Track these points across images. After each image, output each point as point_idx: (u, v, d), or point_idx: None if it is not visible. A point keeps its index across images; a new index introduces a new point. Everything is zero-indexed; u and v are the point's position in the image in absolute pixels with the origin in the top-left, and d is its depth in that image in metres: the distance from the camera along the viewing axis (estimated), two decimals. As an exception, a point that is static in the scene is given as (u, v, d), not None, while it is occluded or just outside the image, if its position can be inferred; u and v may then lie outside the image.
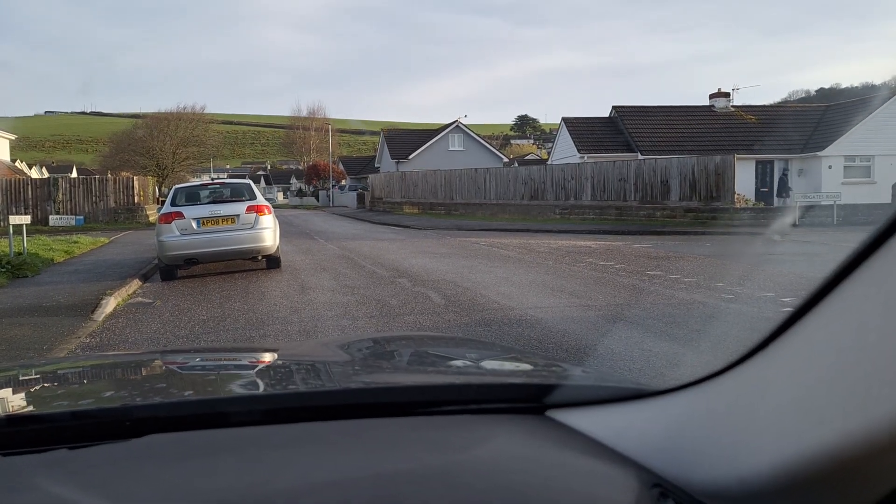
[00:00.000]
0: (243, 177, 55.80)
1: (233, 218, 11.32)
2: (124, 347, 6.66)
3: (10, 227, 13.25)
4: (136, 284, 10.78)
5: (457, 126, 47.69)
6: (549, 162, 37.95)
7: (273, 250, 11.77)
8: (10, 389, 1.51)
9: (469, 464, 0.90)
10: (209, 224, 11.22)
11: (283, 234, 12.94)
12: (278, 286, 10.12)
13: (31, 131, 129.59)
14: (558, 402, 1.12)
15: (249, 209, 11.45)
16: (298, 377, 1.46)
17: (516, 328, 6.72)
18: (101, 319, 7.96)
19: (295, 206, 60.82)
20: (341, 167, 71.36)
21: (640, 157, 28.59)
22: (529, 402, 1.14)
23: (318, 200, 65.06)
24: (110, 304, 8.73)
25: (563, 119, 35.34)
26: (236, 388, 1.42)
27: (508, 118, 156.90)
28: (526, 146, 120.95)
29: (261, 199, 11.96)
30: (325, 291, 9.44)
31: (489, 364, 1.65)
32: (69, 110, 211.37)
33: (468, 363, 1.65)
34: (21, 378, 1.68)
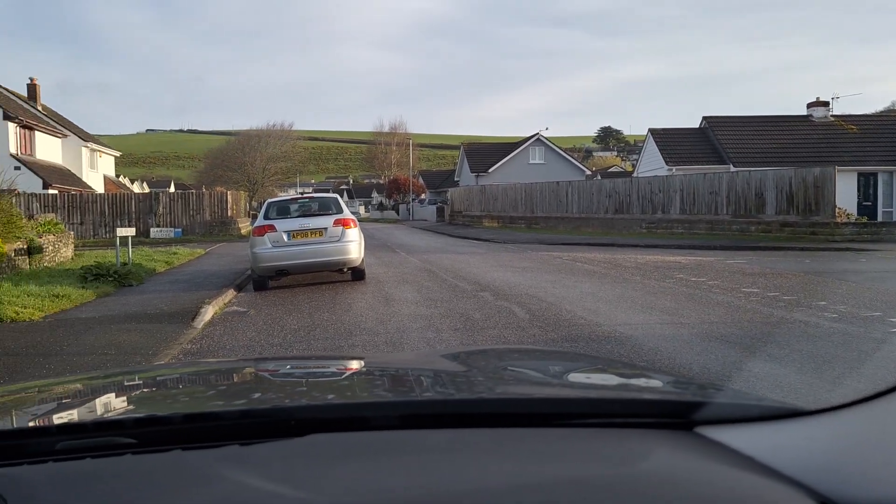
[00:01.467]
0: (327, 191, 57.44)
1: (321, 231, 11.63)
2: (223, 354, 6.93)
3: (118, 238, 14.09)
4: (231, 294, 11.23)
5: (537, 139, 47.44)
6: (634, 174, 37.14)
7: (358, 262, 12.01)
8: (158, 389, 1.61)
9: (636, 476, 0.91)
10: (299, 237, 11.57)
11: (366, 246, 13.19)
12: (363, 298, 10.31)
13: (133, 148, 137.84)
14: (707, 419, 1.11)
15: (336, 222, 11.74)
16: (427, 385, 1.49)
17: (605, 345, 6.58)
18: (200, 327, 8.32)
19: (376, 220, 61.99)
20: (421, 181, 72.28)
21: (733, 169, 27.58)
22: (677, 417, 1.13)
23: (398, 214, 66.07)
24: (208, 313, 9.12)
25: (650, 130, 34.57)
26: (376, 395, 1.46)
27: (591, 130, 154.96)
28: (609, 158, 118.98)
29: (347, 213, 12.24)
30: (409, 304, 9.54)
31: (615, 379, 1.63)
32: (168, 128, 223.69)
33: (592, 377, 1.64)
34: (163, 379, 1.79)
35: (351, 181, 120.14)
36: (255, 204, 48.74)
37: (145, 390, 1.66)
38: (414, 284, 11.75)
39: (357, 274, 12.32)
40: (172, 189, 60.96)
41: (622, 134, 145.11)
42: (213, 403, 1.34)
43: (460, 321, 8.08)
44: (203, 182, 67.12)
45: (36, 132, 33.58)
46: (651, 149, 34.24)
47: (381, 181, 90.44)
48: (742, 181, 22.75)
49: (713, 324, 7.46)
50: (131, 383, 1.75)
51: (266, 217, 12.01)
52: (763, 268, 13.14)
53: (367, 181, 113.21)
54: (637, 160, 40.95)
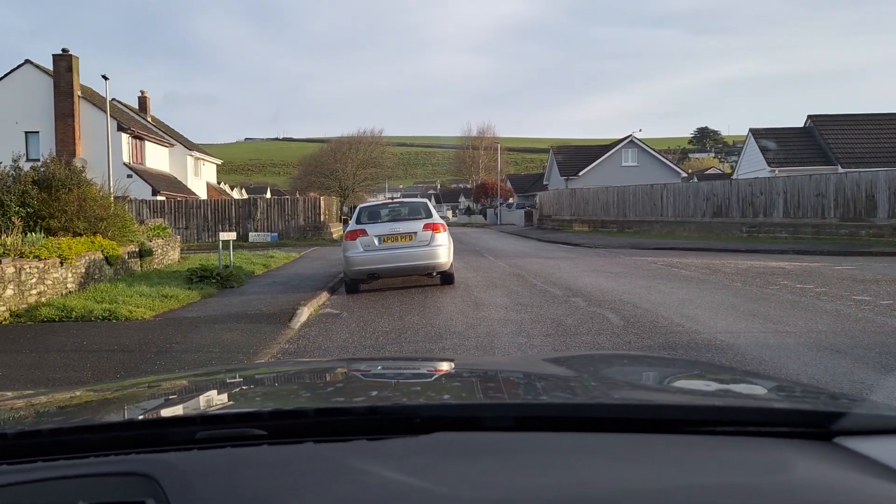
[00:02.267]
0: (415, 196, 58.24)
1: (410, 235, 11.78)
2: (319, 354, 7.14)
3: (220, 242, 14.79)
4: (324, 296, 11.55)
5: (630, 140, 46.34)
6: (733, 176, 35.67)
7: (447, 267, 12.08)
8: (283, 385, 1.68)
9: (780, 486, 0.88)
10: (389, 241, 11.76)
11: (454, 251, 13.25)
12: (453, 302, 10.35)
13: (232, 156, 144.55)
14: (848, 430, 1.07)
15: (426, 227, 11.86)
16: (542, 389, 1.49)
17: (704, 353, 6.33)
18: (297, 327, 8.61)
19: (463, 224, 62.28)
20: (509, 185, 72.07)
21: (841, 169, 26.04)
22: (815, 427, 1.09)
23: (485, 218, 66.14)
24: (304, 314, 9.41)
25: (751, 130, 33.13)
26: (492, 396, 1.47)
27: (686, 131, 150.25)
28: (706, 160, 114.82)
29: (436, 218, 12.34)
30: (499, 308, 9.51)
31: (737, 387, 1.58)
32: (265, 137, 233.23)
33: (714, 384, 1.59)
34: (285, 376, 1.86)
35: (438, 186, 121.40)
36: (345, 209, 50.01)
37: (267, 386, 1.74)
38: (503, 289, 11.71)
39: (446, 278, 12.40)
40: (269, 195, 63.56)
41: (720, 134, 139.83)
42: (336, 400, 1.38)
43: (552, 327, 7.98)
44: (297, 188, 69.56)
45: (146, 142, 35.78)
46: (752, 149, 32.79)
47: (469, 185, 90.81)
48: (851, 182, 21.39)
49: (821, 333, 7.03)
50: (253, 379, 1.84)
51: (358, 222, 12.28)
52: (875, 274, 12.29)
53: (454, 186, 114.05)
54: (736, 162, 39.32)
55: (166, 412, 1.41)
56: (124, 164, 32.04)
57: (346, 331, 8.31)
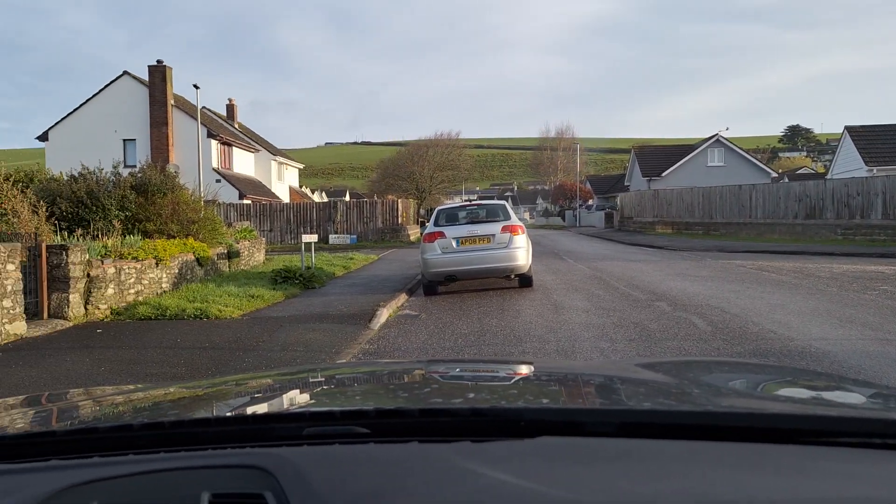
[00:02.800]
0: (491, 198, 58.14)
1: (488, 237, 11.74)
2: (399, 355, 7.22)
3: (303, 244, 15.21)
4: (403, 298, 11.68)
5: (717, 140, 44.72)
6: (827, 176, 33.90)
7: (526, 269, 11.98)
8: (384, 386, 1.71)
9: None
10: (467, 243, 11.76)
11: (533, 253, 13.11)
12: (532, 305, 10.26)
13: (313, 160, 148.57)
14: None
15: (504, 229, 11.79)
16: (644, 395, 1.46)
17: (798, 361, 6.03)
18: (376, 328, 8.74)
19: (541, 226, 61.74)
20: (588, 186, 70.94)
21: (947, 167, 24.30)
22: None
23: (563, 220, 65.36)
24: (383, 315, 9.55)
25: (847, 128, 31.40)
26: (592, 401, 1.45)
27: (776, 129, 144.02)
28: (797, 159, 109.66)
29: (514, 220, 12.26)
30: (580, 312, 9.35)
31: (855, 397, 1.49)
32: (344, 141, 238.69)
33: (828, 394, 1.51)
34: (378, 376, 1.89)
35: (515, 187, 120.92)
36: (422, 211, 50.49)
37: (363, 385, 1.76)
38: (583, 292, 11.52)
39: (524, 280, 12.30)
40: (348, 198, 64.90)
41: (812, 133, 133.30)
42: (434, 401, 1.39)
43: (635, 331, 7.79)
44: (375, 191, 70.69)
45: (233, 148, 37.25)
46: (847, 148, 31.08)
47: (546, 187, 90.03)
48: (962, 181, 19.93)
49: (931, 343, 6.57)
50: (346, 378, 1.88)
51: (436, 224, 12.34)
52: None
53: (531, 187, 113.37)
54: (830, 161, 37.37)
55: (275, 408, 1.45)
56: (213, 169, 33.45)
57: (424, 332, 8.37)
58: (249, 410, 1.42)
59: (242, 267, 16.13)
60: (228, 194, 32.68)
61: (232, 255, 15.35)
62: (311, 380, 1.85)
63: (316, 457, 0.99)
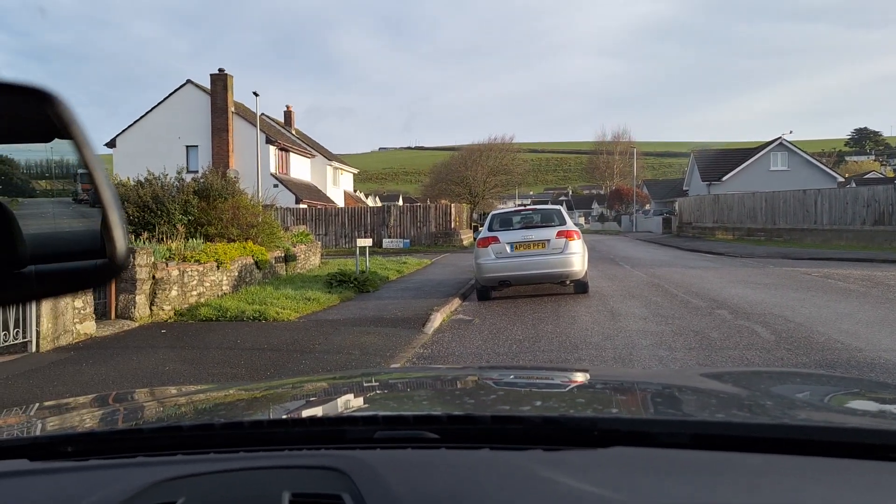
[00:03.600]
0: (545, 202, 57.76)
1: (543, 243, 11.63)
2: (453, 360, 7.22)
3: (357, 248, 15.40)
4: (456, 303, 11.68)
5: (780, 143, 43.34)
6: (896, 180, 32.44)
7: (581, 275, 11.81)
8: (448, 391, 1.71)
9: None
10: (522, 248, 11.67)
11: (588, 259, 12.95)
12: (587, 311, 10.12)
13: (367, 165, 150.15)
14: None
15: (559, 234, 11.66)
16: (716, 406, 1.43)
17: (867, 372, 5.78)
18: (430, 332, 8.76)
19: (596, 231, 60.94)
20: (645, 191, 69.74)
21: None
22: None
23: (619, 225, 64.38)
24: (437, 320, 9.57)
25: (917, 129, 29.99)
26: (663, 412, 1.42)
27: (843, 132, 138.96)
28: (865, 163, 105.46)
29: (570, 225, 12.10)
30: (637, 319, 9.18)
31: None
32: (397, 146, 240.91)
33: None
34: (443, 382, 1.90)
35: (570, 192, 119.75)
36: (476, 215, 50.48)
37: (426, 390, 1.77)
38: (641, 299, 11.30)
39: (580, 287, 12.13)
40: (401, 202, 65.39)
41: (881, 135, 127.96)
42: (501, 408, 1.38)
43: (695, 339, 7.60)
44: (428, 195, 71.01)
45: (290, 154, 38.04)
46: (920, 150, 29.69)
47: (602, 191, 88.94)
48: None
49: None
50: (407, 383, 1.89)
51: (490, 229, 12.29)
52: None
53: (586, 192, 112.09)
54: (901, 163, 35.77)
55: (347, 411, 1.46)
56: (271, 174, 34.21)
57: (479, 337, 8.35)
58: (323, 413, 1.44)
59: (299, 270, 16.43)
60: (285, 199, 33.36)
61: (289, 258, 15.65)
62: (371, 384, 1.86)
63: (390, 460, 0.99)
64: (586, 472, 0.93)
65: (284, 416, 1.31)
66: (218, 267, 11.49)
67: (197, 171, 16.11)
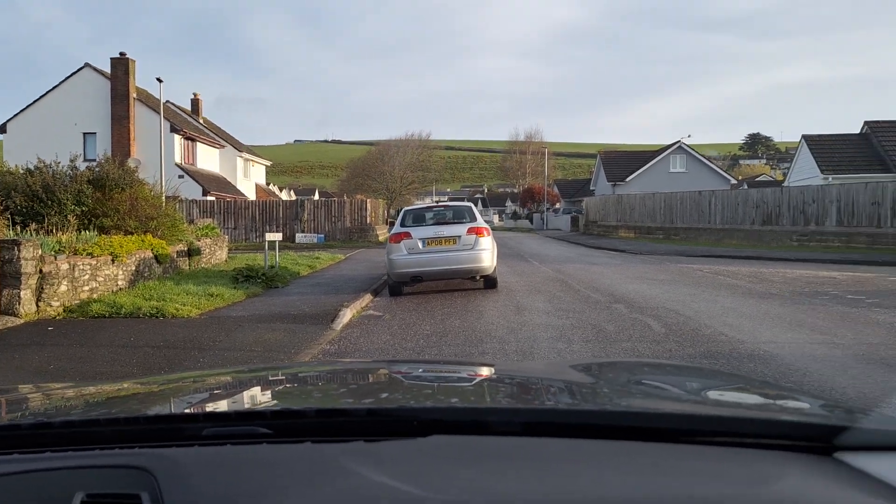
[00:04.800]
0: (462, 200, 58.32)
1: (454, 239, 11.79)
2: (359, 355, 7.21)
3: (266, 243, 15.07)
4: (367, 298, 11.66)
5: (679, 146, 45.53)
6: (785, 183, 34.76)
7: (490, 271, 12.06)
8: (295, 385, 1.71)
9: (765, 499, 0.86)
10: (433, 244, 11.79)
11: (499, 255, 13.20)
12: (495, 306, 10.33)
13: (282, 158, 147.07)
14: (850, 445, 1.03)
15: (470, 231, 11.86)
16: (551, 394, 1.48)
17: (747, 363, 6.18)
18: (339, 329, 8.71)
19: (509, 229, 62.06)
20: (556, 190, 71.55)
21: (899, 177, 25.09)
22: (815, 441, 1.06)
23: (531, 223, 65.79)
24: (347, 316, 9.52)
25: (804, 136, 32.23)
26: (498, 400, 1.47)
27: (737, 137, 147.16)
28: (757, 167, 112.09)
29: (480, 222, 12.33)
30: (540, 313, 9.45)
31: (750, 397, 1.54)
32: (313, 139, 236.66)
33: (725, 394, 1.56)
34: (301, 376, 1.90)
35: (485, 190, 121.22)
36: (392, 211, 50.40)
37: (285, 385, 1.78)
38: (546, 294, 11.64)
39: (489, 282, 12.38)
40: (316, 196, 64.44)
41: (772, 141, 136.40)
42: (344, 401, 1.40)
43: (592, 333, 7.91)
44: (344, 190, 70.32)
45: (197, 143, 36.71)
46: (804, 156, 31.90)
47: (516, 190, 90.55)
48: (912, 191, 20.60)
49: (872, 345, 6.79)
50: (273, 378, 1.88)
51: (402, 224, 12.35)
52: (936, 287, 11.81)
53: (501, 190, 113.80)
54: (788, 169, 38.30)
55: (179, 408, 1.45)
56: (176, 164, 32.92)
57: (387, 333, 8.38)
58: (151, 410, 1.42)
59: (203, 265, 15.92)
60: (191, 191, 32.19)
61: (192, 252, 15.14)
62: (238, 380, 1.85)
63: (206, 457, 1.00)
64: (395, 462, 0.96)
65: (97, 415, 1.29)
66: (113, 261, 10.99)
67: (94, 160, 15.31)
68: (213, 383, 1.82)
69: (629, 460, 0.98)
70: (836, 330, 7.70)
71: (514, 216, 77.12)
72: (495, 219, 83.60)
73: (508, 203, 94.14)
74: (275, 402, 1.54)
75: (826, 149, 30.47)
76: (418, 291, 12.48)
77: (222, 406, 1.45)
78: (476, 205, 18.58)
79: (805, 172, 31.24)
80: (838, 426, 1.09)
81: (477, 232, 11.85)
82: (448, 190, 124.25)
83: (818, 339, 7.19)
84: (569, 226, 49.37)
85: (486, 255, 11.79)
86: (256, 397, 1.59)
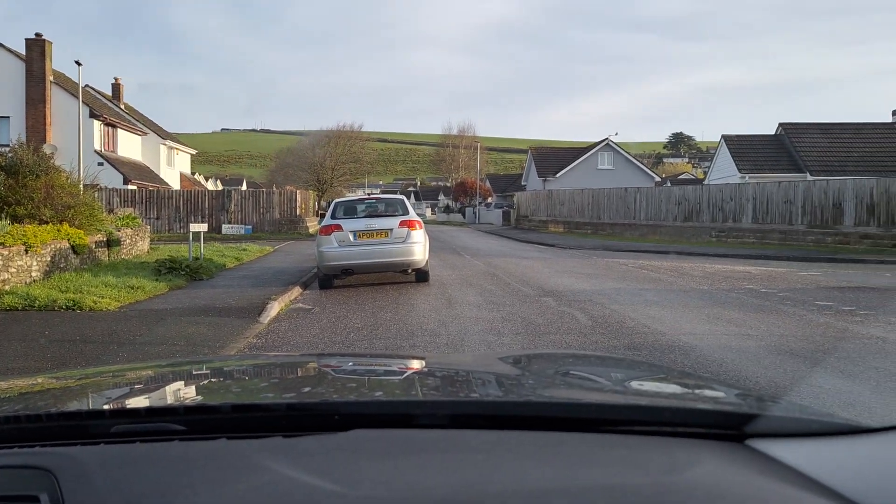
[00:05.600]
0: (395, 192, 58.05)
1: (386, 232, 11.74)
2: (287, 349, 7.10)
3: (190, 234, 14.63)
4: (297, 291, 11.48)
5: (607, 144, 46.74)
6: (705, 182, 36.18)
7: (422, 264, 12.07)
8: (216, 380, 1.67)
9: (679, 486, 0.88)
10: (365, 237, 11.71)
11: (431, 248, 13.23)
12: (426, 299, 10.36)
13: (208, 147, 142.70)
14: (761, 432, 1.07)
15: (402, 224, 11.83)
16: (477, 386, 1.49)
17: (668, 354, 6.42)
18: (266, 322, 8.55)
19: (442, 222, 62.27)
20: (488, 184, 72.19)
21: (810, 177, 26.55)
22: (728, 429, 1.09)
23: (464, 217, 66.19)
24: (274, 309, 9.35)
25: (723, 137, 33.61)
26: (423, 393, 1.47)
27: (662, 136, 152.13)
28: (680, 165, 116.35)
29: (413, 215, 12.32)
30: (471, 307, 9.54)
31: (669, 387, 1.59)
32: (242, 128, 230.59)
33: (645, 384, 1.60)
34: (223, 370, 1.85)
35: (418, 183, 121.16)
36: (323, 203, 49.71)
37: (204, 381, 1.72)
38: (477, 287, 11.75)
39: (421, 275, 12.39)
40: (244, 187, 62.91)
41: (694, 140, 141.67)
42: (264, 395, 1.38)
43: (522, 325, 8.04)
44: (274, 181, 68.83)
45: (118, 130, 35.23)
46: (724, 156, 33.27)
47: (449, 184, 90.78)
48: (819, 190, 21.82)
49: (783, 337, 7.17)
50: (194, 373, 1.83)
51: (333, 217, 12.20)
52: (839, 280, 12.56)
53: (434, 183, 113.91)
54: (709, 167, 39.86)
55: (84, 405, 1.39)
56: (96, 151, 31.52)
57: (316, 327, 8.28)
58: (55, 407, 1.36)
59: (124, 256, 15.33)
60: (112, 179, 30.89)
61: (112, 243, 14.55)
62: (157, 375, 1.78)
63: (112, 456, 0.97)
64: (313, 458, 0.95)
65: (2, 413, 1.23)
66: (27, 251, 10.44)
67: (7, 146, 14.49)
68: (130, 378, 1.75)
69: (551, 451, 0.99)
70: (750, 322, 8.08)
71: (447, 210, 77.36)
72: (428, 212, 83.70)
73: (441, 196, 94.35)
74: (191, 397, 1.50)
75: (743, 149, 31.86)
76: (349, 284, 12.39)
77: (134, 402, 1.40)
78: (409, 198, 18.55)
79: (724, 171, 32.59)
80: (749, 414, 1.13)
81: (409, 225, 11.84)
82: (381, 182, 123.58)
83: (734, 332, 7.53)
84: (500, 220, 49.94)
85: (418, 248, 11.79)
86: (173, 393, 1.54)
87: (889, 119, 31.69)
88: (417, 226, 11.94)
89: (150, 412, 1.09)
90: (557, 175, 45.38)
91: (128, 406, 1.28)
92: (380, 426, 1.07)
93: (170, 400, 1.43)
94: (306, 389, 1.44)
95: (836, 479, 0.91)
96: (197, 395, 1.53)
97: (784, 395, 5.02)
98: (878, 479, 0.86)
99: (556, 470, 0.93)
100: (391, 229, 11.73)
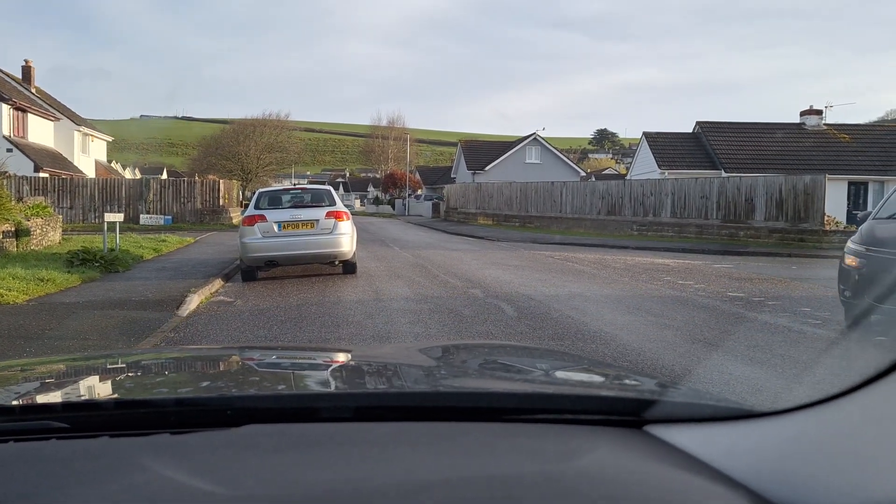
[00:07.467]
0: (323, 183, 57.28)
1: (312, 223, 11.56)
2: (206, 343, 6.90)
3: (105, 224, 14.00)
4: (218, 284, 11.17)
5: (534, 139, 47.47)
6: (627, 177, 37.25)
7: (350, 256, 11.95)
8: (110, 375, 1.59)
9: (569, 474, 0.88)
10: (290, 228, 11.49)
11: (359, 240, 13.13)
12: (354, 291, 10.27)
13: (127, 134, 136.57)
14: (658, 418, 1.09)
15: (329, 215, 11.67)
16: (386, 377, 1.47)
17: (590, 344, 6.59)
18: (185, 315, 8.28)
19: (371, 214, 61.86)
20: (418, 177, 72.14)
21: (724, 174, 27.71)
22: (627, 415, 1.11)
23: (393, 209, 65.98)
24: (194, 302, 9.07)
25: (644, 134, 34.68)
26: (326, 386, 1.44)
27: (587, 132, 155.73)
28: (604, 160, 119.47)
29: (340, 206, 12.16)
30: (399, 299, 9.52)
31: (577, 375, 1.61)
32: (162, 115, 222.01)
33: (555, 372, 1.62)
34: (120, 365, 1.76)
35: (347, 174, 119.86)
36: (248, 193, 48.51)
37: (99, 376, 1.63)
38: (405, 279, 11.73)
39: (348, 267, 12.26)
40: (165, 176, 60.62)
41: (618, 137, 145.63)
42: (158, 391, 1.32)
43: (449, 317, 8.08)
44: (196, 170, 66.64)
45: (29, 115, 33.35)
46: (645, 152, 34.34)
47: (378, 175, 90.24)
48: (732, 187, 22.84)
49: (698, 326, 7.48)
50: (89, 368, 1.73)
51: (257, 207, 11.92)
52: (750, 273, 13.19)
53: (363, 175, 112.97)
54: (631, 163, 41.09)
55: None
56: (4, 137, 29.81)
57: (238, 320, 8.08)
58: None
59: (34, 247, 14.53)
60: (22, 166, 29.21)
61: (21, 233, 13.77)
62: (49, 371, 1.68)
63: None
64: (198, 455, 0.91)
65: None
66: (-78, 241, 9.75)
67: None
68: (19, 374, 1.64)
69: (450, 442, 0.98)
70: (668, 313, 8.39)
71: (377, 201, 76.91)
72: (357, 203, 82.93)
73: (371, 188, 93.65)
74: (78, 394, 1.42)
75: (663, 146, 32.96)
76: (273, 277, 12.15)
77: (14, 399, 1.32)
78: (337, 189, 18.35)
79: (645, 167, 33.65)
80: (647, 400, 1.15)
81: (336, 216, 11.69)
82: (308, 173, 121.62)
83: (653, 322, 7.80)
84: (430, 212, 50.01)
85: (346, 239, 11.67)
86: (61, 389, 1.46)
87: (798, 120, 33.43)
88: (345, 217, 11.81)
89: (25, 409, 1.02)
90: (486, 168, 45.81)
91: (3, 403, 1.20)
92: (276, 421, 1.03)
93: (53, 396, 1.35)
94: (205, 384, 1.38)
95: (727, 463, 0.93)
96: (86, 391, 1.45)
97: (696, 382, 5.24)
98: (766, 462, 0.88)
99: (454, 459, 0.92)
100: (317, 220, 11.56)
